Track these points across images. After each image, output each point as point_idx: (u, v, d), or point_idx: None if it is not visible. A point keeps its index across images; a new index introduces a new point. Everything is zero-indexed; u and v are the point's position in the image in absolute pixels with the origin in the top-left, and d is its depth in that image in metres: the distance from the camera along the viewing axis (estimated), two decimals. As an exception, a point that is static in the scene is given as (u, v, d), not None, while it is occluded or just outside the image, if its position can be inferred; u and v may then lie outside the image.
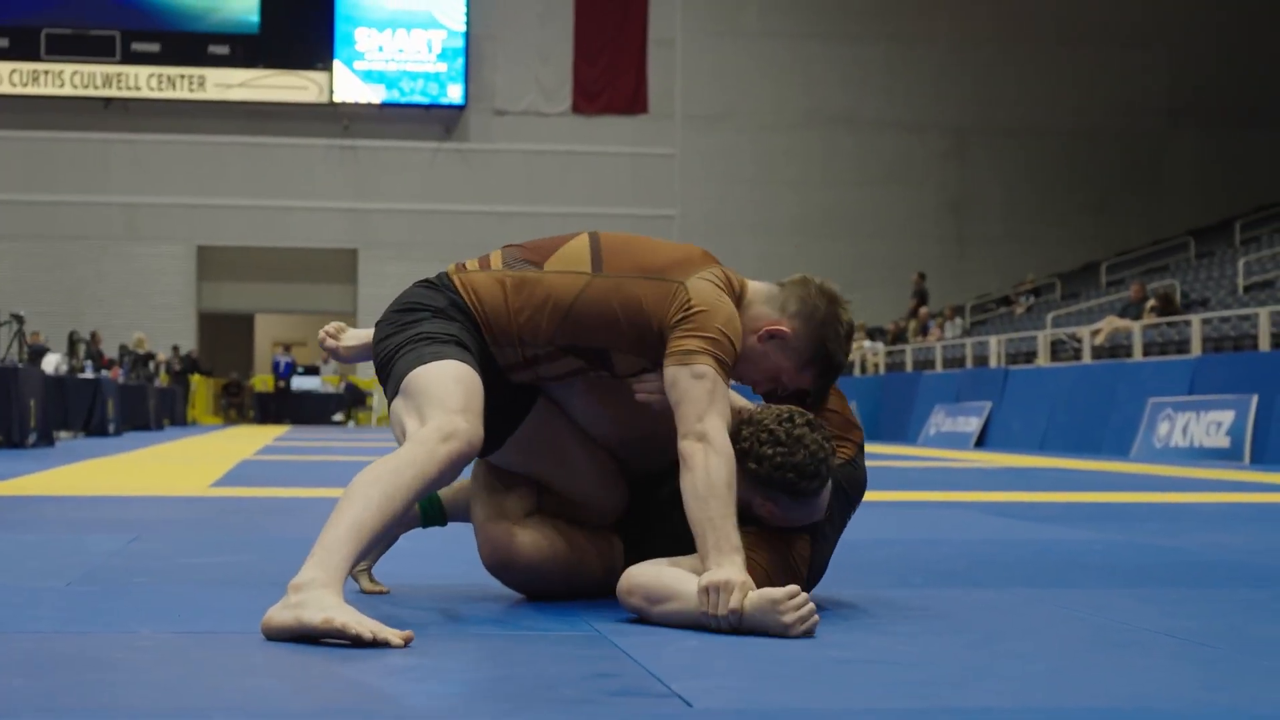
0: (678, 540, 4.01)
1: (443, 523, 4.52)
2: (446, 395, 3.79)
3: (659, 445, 4.18)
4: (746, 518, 3.95)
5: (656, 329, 3.97)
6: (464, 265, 4.16)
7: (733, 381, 4.08)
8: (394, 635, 3.38)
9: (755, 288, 4.18)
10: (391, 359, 3.98)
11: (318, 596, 3.44)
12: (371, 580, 4.44)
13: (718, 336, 3.91)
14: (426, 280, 4.17)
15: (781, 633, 3.57)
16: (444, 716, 2.75)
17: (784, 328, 4.08)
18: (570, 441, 4.21)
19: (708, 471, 3.78)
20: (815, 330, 4.09)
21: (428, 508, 4.48)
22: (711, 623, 3.64)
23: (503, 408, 4.07)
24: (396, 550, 4.72)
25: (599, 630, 3.71)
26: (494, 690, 3.06)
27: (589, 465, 4.23)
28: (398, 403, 3.89)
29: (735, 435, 3.94)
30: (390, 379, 3.95)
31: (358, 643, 3.35)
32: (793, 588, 3.61)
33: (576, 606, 4.11)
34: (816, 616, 3.62)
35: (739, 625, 3.61)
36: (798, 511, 3.97)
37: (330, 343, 4.65)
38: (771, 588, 3.63)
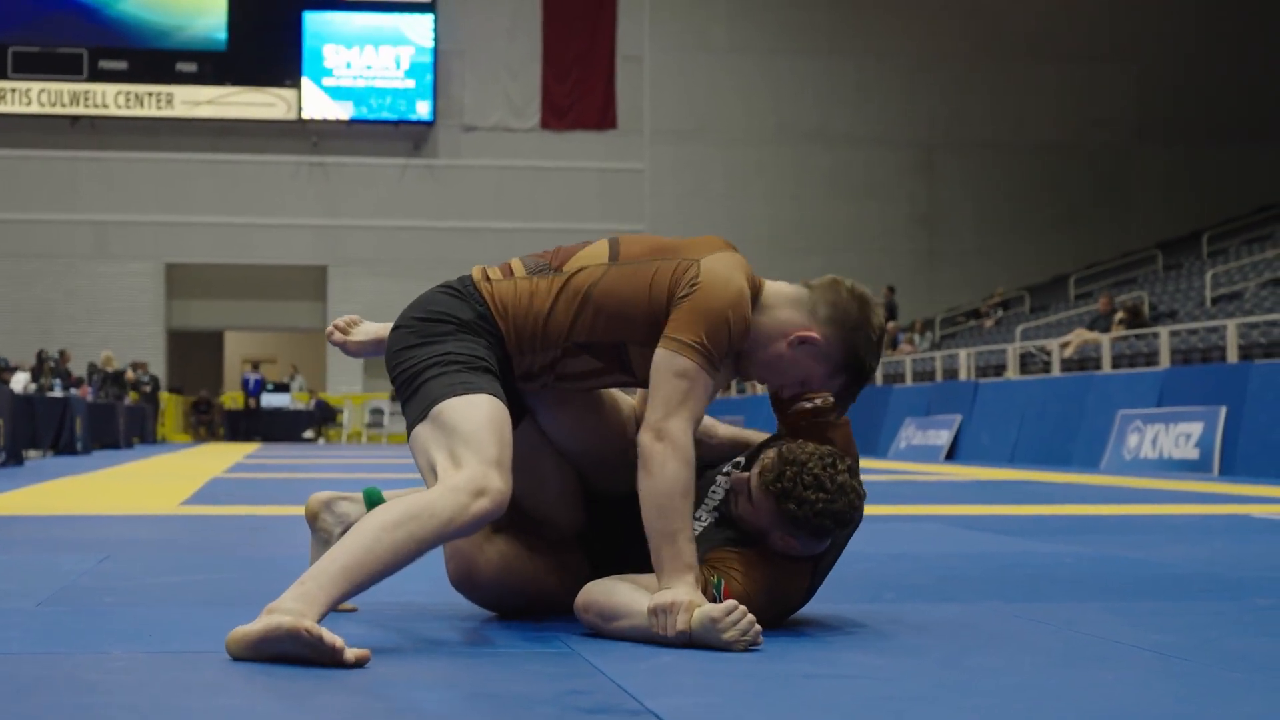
0: (643, 563, 4.01)
1: None
2: (483, 441, 3.69)
3: (628, 467, 4.17)
4: (752, 539, 4.00)
5: (667, 306, 3.89)
6: (487, 274, 4.05)
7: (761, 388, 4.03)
8: (349, 654, 3.35)
9: (776, 289, 4.07)
10: (417, 376, 3.87)
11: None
12: None
13: (715, 323, 3.82)
14: (450, 286, 4.04)
15: (724, 648, 3.59)
16: (417, 735, 2.74)
17: (814, 334, 3.99)
18: (544, 459, 4.18)
19: (665, 478, 3.74)
20: (848, 337, 4.00)
21: (374, 505, 4.35)
22: (663, 641, 3.66)
23: None
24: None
25: (572, 647, 3.71)
26: (468, 708, 3.05)
27: (557, 484, 4.21)
28: (426, 430, 3.77)
29: (778, 474, 3.87)
30: (416, 398, 3.84)
31: (316, 650, 3.32)
32: (730, 603, 3.63)
33: (548, 623, 4.10)
34: (757, 628, 3.64)
35: (690, 644, 3.63)
36: (813, 547, 3.99)
37: (338, 336, 4.52)
38: (714, 604, 3.65)
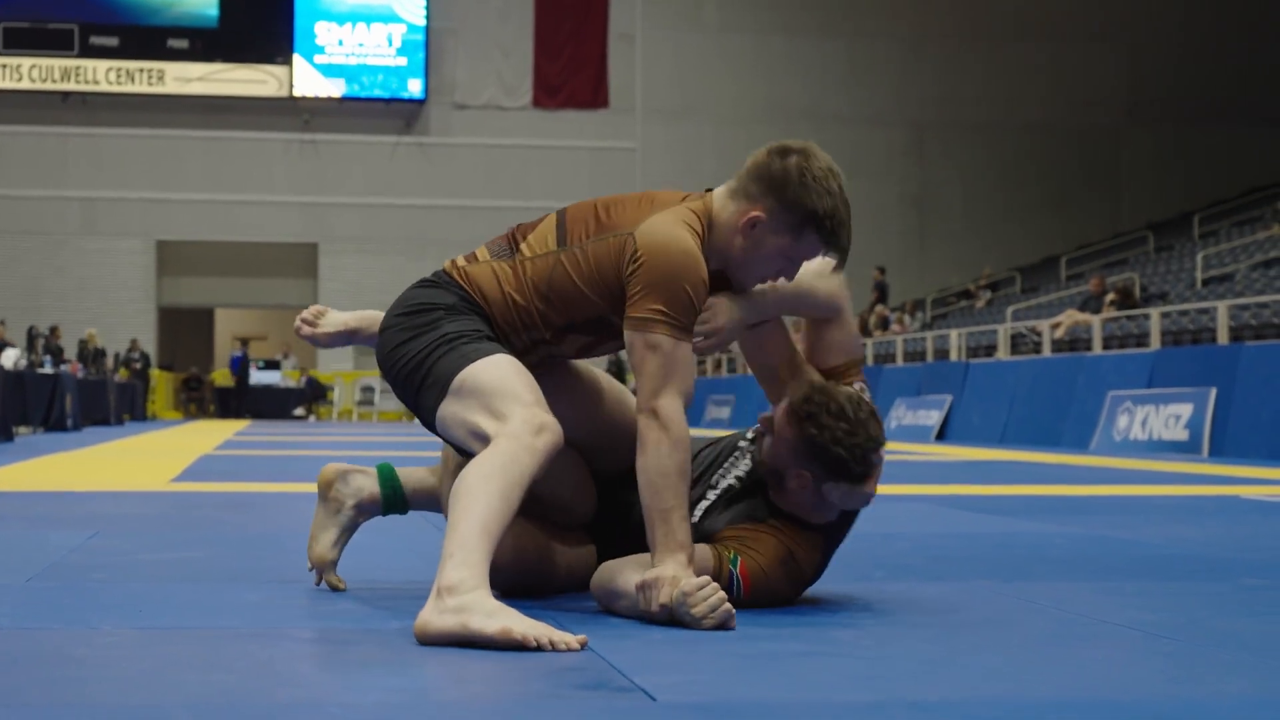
0: (644, 542, 4.01)
1: (404, 510, 4.43)
2: (516, 389, 3.73)
3: (625, 447, 4.14)
4: (763, 505, 4.03)
5: (620, 286, 3.85)
6: (455, 262, 4.07)
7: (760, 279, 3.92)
8: (572, 640, 3.34)
9: (718, 194, 3.97)
10: (422, 365, 3.87)
11: (479, 600, 3.38)
12: (335, 576, 4.38)
13: (669, 291, 3.76)
14: (426, 280, 4.06)
15: (694, 625, 3.59)
16: (403, 713, 2.74)
17: (756, 212, 3.86)
18: None
19: (660, 457, 3.74)
20: (786, 194, 3.85)
21: (390, 495, 4.38)
22: (650, 618, 3.67)
23: None
24: (351, 546, 4.70)
25: (563, 625, 3.71)
26: (455, 685, 3.05)
27: (566, 468, 4.18)
28: (451, 405, 3.79)
29: (805, 399, 3.92)
30: (427, 383, 3.85)
31: (537, 649, 3.31)
32: (702, 579, 3.62)
33: (539, 602, 4.10)
34: (727, 608, 3.62)
35: (670, 619, 3.64)
36: (834, 495, 3.96)
37: (306, 330, 4.54)
38: (691, 579, 3.63)
